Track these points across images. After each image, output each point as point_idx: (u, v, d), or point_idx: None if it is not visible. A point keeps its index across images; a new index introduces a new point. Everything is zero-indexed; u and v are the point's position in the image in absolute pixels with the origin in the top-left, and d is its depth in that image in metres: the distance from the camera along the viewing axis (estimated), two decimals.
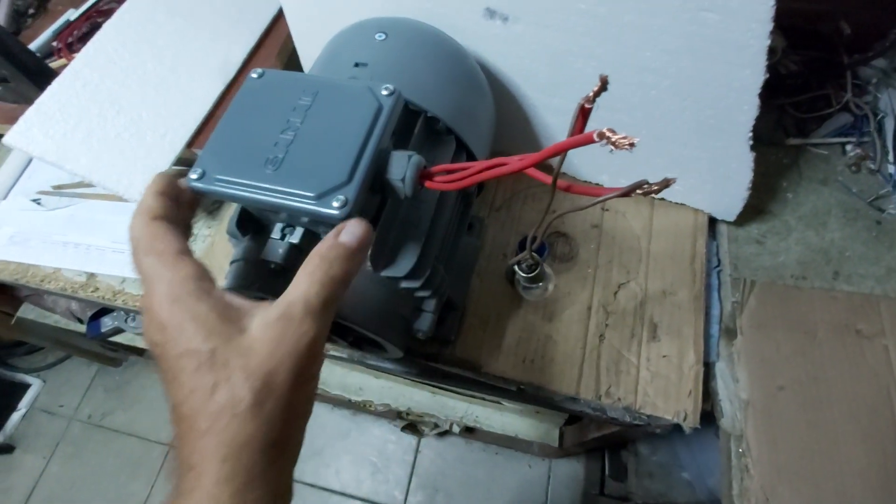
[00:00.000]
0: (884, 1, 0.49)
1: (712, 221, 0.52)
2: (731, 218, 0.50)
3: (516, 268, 0.33)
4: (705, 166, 0.45)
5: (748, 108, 0.38)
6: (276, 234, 0.33)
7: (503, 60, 0.47)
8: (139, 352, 1.33)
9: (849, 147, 0.54)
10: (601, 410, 0.47)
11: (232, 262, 0.37)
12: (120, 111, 0.55)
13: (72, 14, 0.71)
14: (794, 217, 0.51)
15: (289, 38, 0.62)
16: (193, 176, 0.30)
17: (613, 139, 0.18)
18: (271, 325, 0.23)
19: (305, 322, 0.23)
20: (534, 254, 0.31)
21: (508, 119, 0.52)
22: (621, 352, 0.46)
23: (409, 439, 1.31)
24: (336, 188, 0.28)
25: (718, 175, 0.45)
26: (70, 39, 0.68)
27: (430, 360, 0.49)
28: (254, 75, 0.34)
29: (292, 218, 0.33)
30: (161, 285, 0.24)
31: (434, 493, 1.26)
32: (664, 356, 0.45)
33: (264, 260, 0.32)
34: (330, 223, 0.29)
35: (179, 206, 0.29)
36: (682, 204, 0.51)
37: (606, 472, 1.10)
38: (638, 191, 0.22)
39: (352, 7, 0.46)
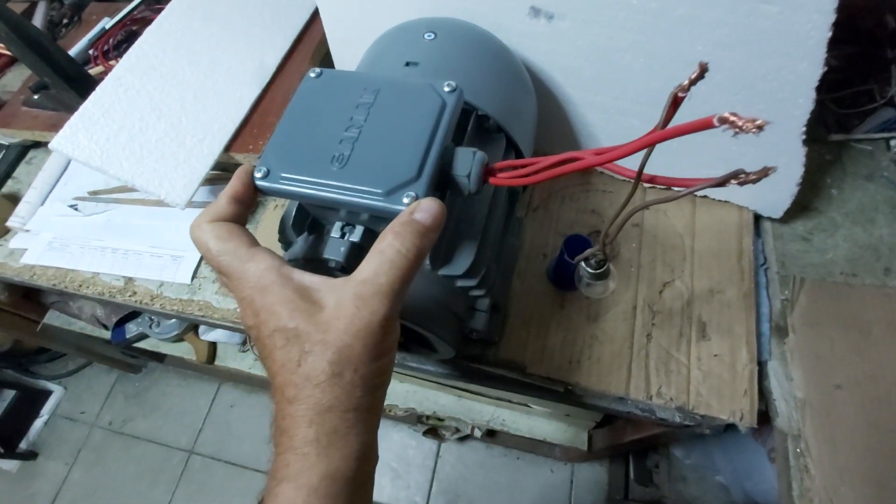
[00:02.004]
0: None
1: (756, 219, 0.51)
2: (778, 215, 0.49)
3: (583, 263, 0.32)
4: (755, 163, 0.44)
5: (804, 102, 0.38)
6: (335, 233, 0.33)
7: (547, 59, 0.46)
8: (159, 358, 1.34)
9: (893, 143, 0.53)
10: (650, 411, 0.46)
11: (287, 261, 0.37)
12: (160, 116, 0.56)
13: (107, 22, 0.72)
14: (841, 214, 0.50)
15: (322, 42, 0.62)
16: (258, 175, 0.30)
17: (740, 123, 0.18)
18: (346, 304, 0.25)
19: (375, 301, 0.25)
20: (606, 252, 0.31)
21: (548, 117, 0.52)
22: (670, 351, 0.46)
23: (430, 444, 1.30)
24: (405, 184, 0.28)
25: None
26: (106, 47, 0.69)
27: (473, 362, 0.48)
28: (312, 74, 0.34)
29: (352, 216, 0.33)
30: (249, 278, 0.26)
31: (455, 499, 1.24)
32: (715, 355, 0.45)
33: (321, 259, 0.32)
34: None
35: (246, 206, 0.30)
36: (726, 201, 0.51)
37: (631, 476, 1.08)
38: (733, 180, 0.21)
39: (390, 10, 0.46)
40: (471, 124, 0.38)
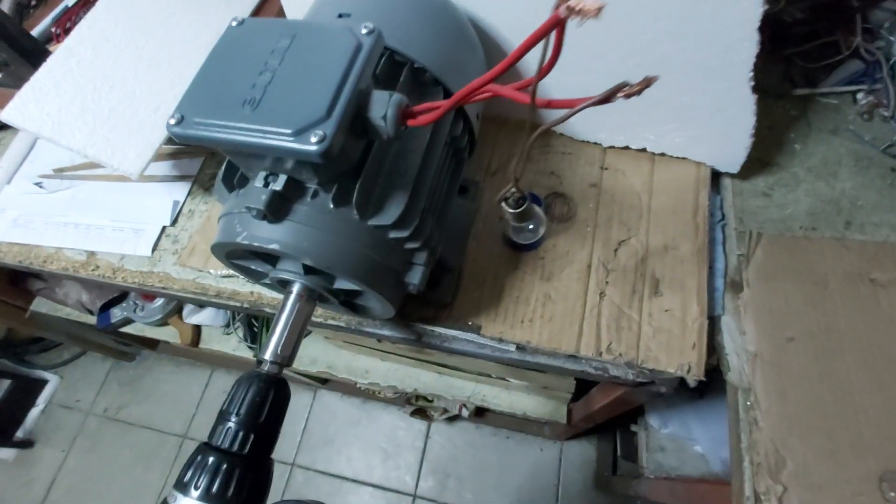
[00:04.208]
0: None
1: (716, 176, 0.50)
2: (735, 169, 0.48)
3: (503, 205, 0.32)
4: (706, 114, 0.44)
5: (748, 45, 0.37)
6: (258, 182, 0.32)
7: (494, 14, 0.45)
8: (151, 345, 1.35)
9: (860, 95, 0.51)
10: (603, 370, 0.46)
11: (220, 218, 0.36)
12: (113, 87, 0.55)
13: (69, 1, 0.72)
14: (803, 168, 0.49)
15: (282, 10, 0.61)
16: (172, 121, 0.30)
17: (578, 7, 0.17)
18: None
19: None
20: (520, 188, 0.30)
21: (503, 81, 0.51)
22: (622, 308, 0.45)
23: (419, 425, 1.30)
24: (314, 124, 0.28)
25: (720, 122, 0.44)
26: (68, 25, 0.69)
27: (427, 323, 0.48)
28: (233, 23, 0.33)
29: (276, 165, 0.32)
30: None
31: (445, 478, 1.25)
32: (666, 310, 0.44)
33: (248, 208, 0.32)
34: (309, 160, 0.28)
35: None
36: (683, 158, 0.50)
37: (618, 452, 1.08)
38: (619, 94, 0.21)
39: None
40: (404, 75, 0.37)
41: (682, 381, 0.43)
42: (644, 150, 0.51)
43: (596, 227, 0.49)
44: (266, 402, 0.31)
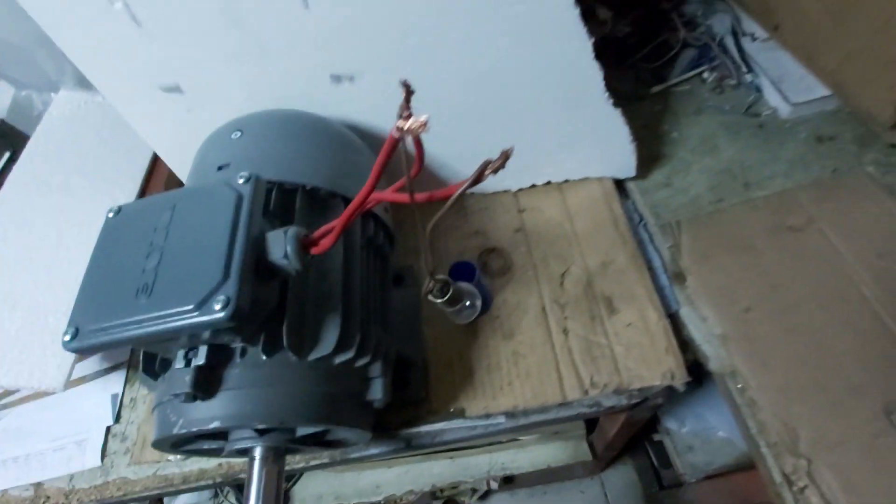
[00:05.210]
0: None
1: (620, 183, 0.53)
2: (633, 173, 0.51)
3: (430, 297, 0.31)
4: (585, 137, 0.47)
5: (592, 73, 0.40)
6: (179, 363, 0.30)
7: (369, 114, 0.48)
8: None
9: (705, 75, 0.57)
10: (597, 405, 0.45)
11: (153, 410, 0.34)
12: (15, 305, 0.52)
13: None
14: (687, 151, 0.53)
15: (172, 171, 0.62)
16: (66, 338, 0.28)
17: (408, 126, 0.18)
18: None
19: None
20: (438, 277, 0.30)
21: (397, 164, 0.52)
22: (589, 337, 0.45)
23: None
24: (214, 290, 0.27)
25: (600, 140, 0.47)
26: None
27: (410, 427, 0.45)
28: (110, 214, 0.33)
29: (193, 339, 0.31)
30: None
31: None
32: (629, 325, 0.44)
33: (175, 395, 0.30)
34: (220, 328, 0.27)
35: None
36: (585, 178, 0.52)
37: (655, 464, 1.04)
38: (486, 171, 0.21)
39: (212, 123, 0.46)
40: (298, 201, 0.38)
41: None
42: (549, 182, 0.54)
43: (536, 269, 0.50)
44: None
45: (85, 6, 0.38)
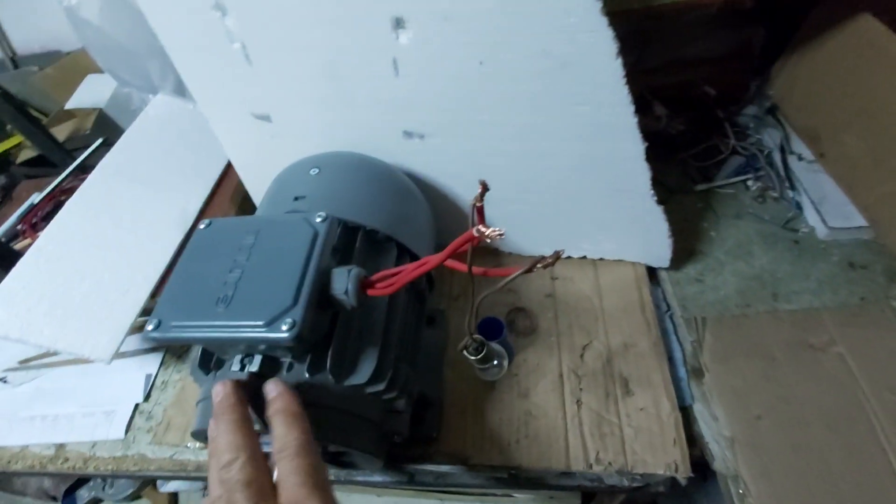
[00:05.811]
0: (732, 64, 0.59)
1: (653, 271, 0.56)
2: (665, 264, 0.53)
3: (465, 353, 0.35)
4: (626, 225, 0.50)
5: (641, 171, 0.44)
6: (235, 366, 0.34)
7: (430, 168, 0.52)
8: None
9: (750, 182, 0.60)
10: (598, 480, 0.46)
11: (198, 403, 0.37)
12: (84, 278, 0.57)
13: (36, 197, 0.76)
14: (723, 252, 0.56)
15: (240, 182, 0.68)
16: (150, 327, 0.32)
17: (486, 233, 0.22)
18: None
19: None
20: (476, 336, 0.33)
21: (446, 215, 0.57)
22: (601, 413, 0.47)
23: None
24: (283, 313, 0.31)
25: (639, 230, 0.50)
26: (34, 220, 0.73)
27: (417, 463, 0.47)
28: (202, 226, 0.37)
29: (250, 347, 0.35)
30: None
31: None
32: (641, 409, 0.46)
33: None
34: (282, 346, 0.31)
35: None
36: (620, 260, 0.55)
37: None
38: (538, 265, 0.25)
39: (287, 154, 0.52)
40: (359, 240, 0.42)
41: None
42: (585, 257, 0.57)
43: (559, 336, 0.52)
44: None
45: (208, 40, 0.45)
